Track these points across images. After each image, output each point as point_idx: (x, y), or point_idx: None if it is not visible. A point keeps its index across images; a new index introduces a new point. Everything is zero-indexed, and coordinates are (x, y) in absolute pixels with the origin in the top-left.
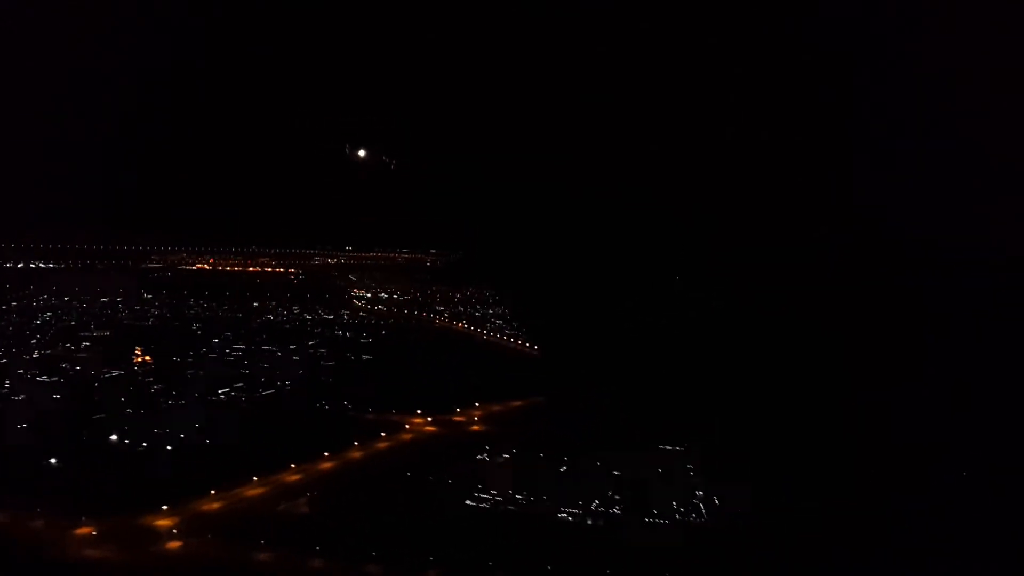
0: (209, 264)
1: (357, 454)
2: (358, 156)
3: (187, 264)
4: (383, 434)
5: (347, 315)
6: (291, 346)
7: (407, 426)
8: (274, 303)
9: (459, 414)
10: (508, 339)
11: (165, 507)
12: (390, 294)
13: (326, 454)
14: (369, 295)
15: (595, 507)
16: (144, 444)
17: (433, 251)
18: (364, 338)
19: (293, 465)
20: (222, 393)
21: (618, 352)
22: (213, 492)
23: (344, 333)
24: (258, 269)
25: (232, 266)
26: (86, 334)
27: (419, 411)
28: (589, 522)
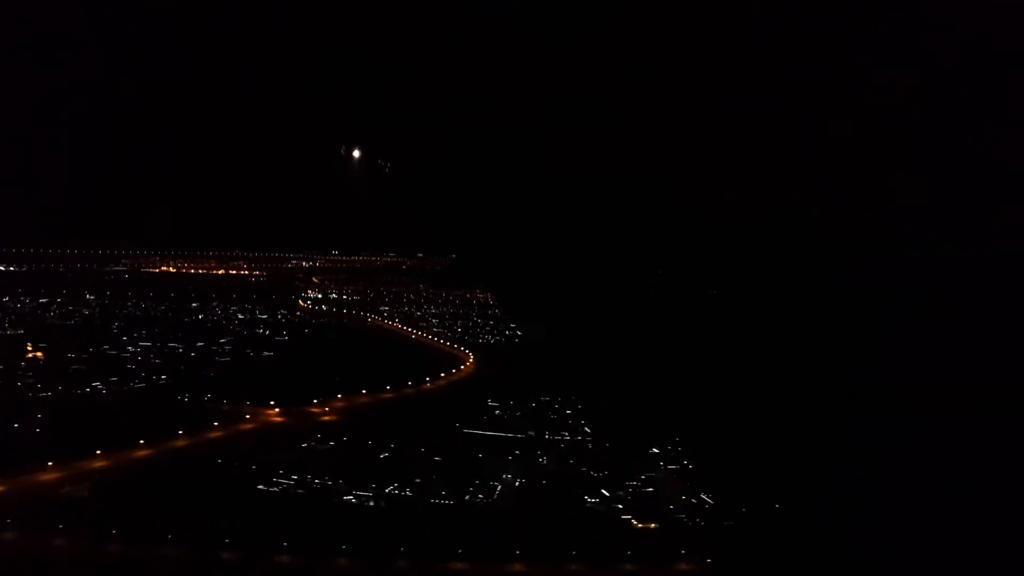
0: (174, 267)
1: (181, 443)
2: (353, 159)
3: (153, 267)
4: (215, 424)
5: (283, 314)
6: (199, 343)
7: (247, 416)
8: (214, 303)
9: (317, 405)
10: (432, 337)
11: None
12: (341, 295)
13: (141, 442)
14: (320, 296)
15: (388, 491)
16: None
17: (420, 255)
18: (280, 335)
19: (99, 452)
20: (93, 386)
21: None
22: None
23: (264, 331)
24: (223, 272)
25: (198, 269)
26: None
27: (272, 402)
28: (371, 504)
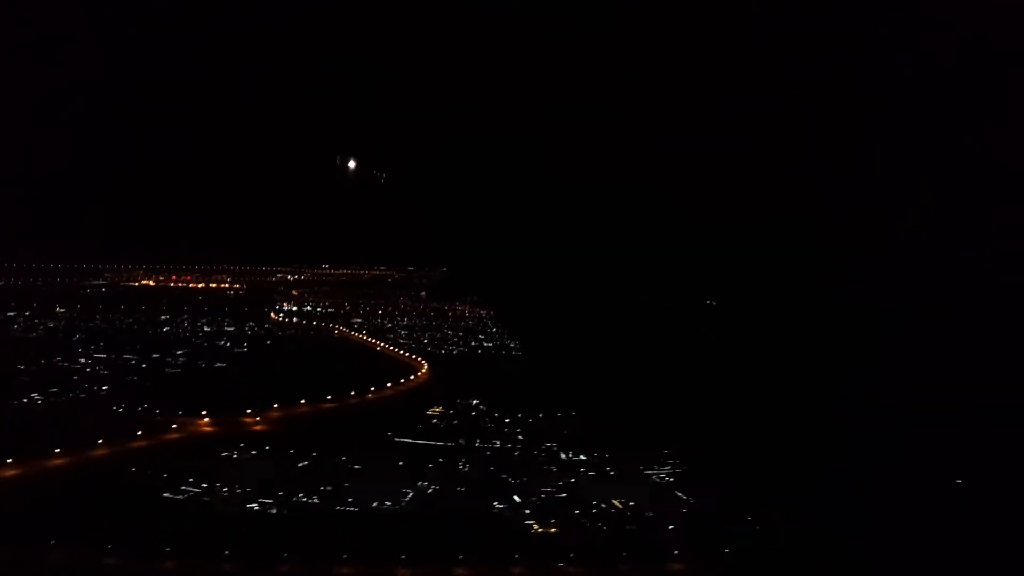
0: (154, 281)
1: (100, 452)
2: (348, 169)
3: (133, 281)
4: (139, 433)
5: (251, 327)
6: (154, 355)
7: (174, 426)
8: (184, 317)
9: (250, 415)
10: (395, 348)
11: None
12: (316, 308)
13: (57, 451)
14: (295, 309)
15: (294, 499)
16: None
17: (411, 268)
18: (240, 347)
19: (10, 460)
20: (30, 397)
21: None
22: None
23: (225, 343)
24: (202, 285)
25: (178, 283)
26: None
27: (204, 412)
28: (272, 511)
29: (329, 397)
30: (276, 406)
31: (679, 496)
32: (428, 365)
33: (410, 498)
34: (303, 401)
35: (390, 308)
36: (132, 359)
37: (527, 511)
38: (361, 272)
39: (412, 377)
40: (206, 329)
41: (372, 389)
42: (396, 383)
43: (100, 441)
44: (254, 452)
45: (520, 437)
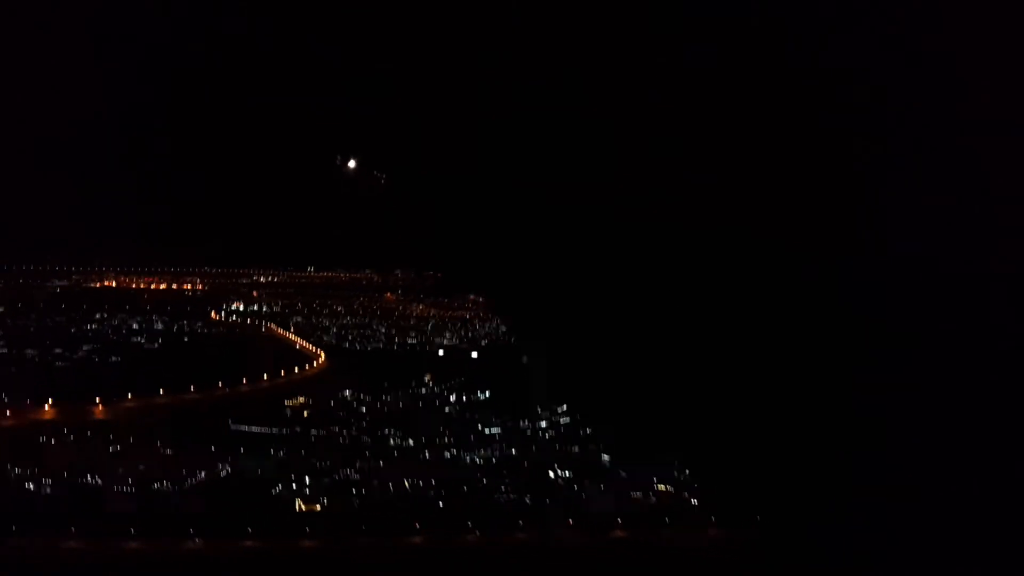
0: (116, 283)
1: None
2: (348, 170)
3: (95, 282)
4: None
5: (183, 326)
6: (56, 350)
7: (8, 413)
8: (121, 315)
9: (98, 405)
10: (312, 345)
11: None
12: (263, 308)
13: None
14: (242, 308)
15: (79, 481)
16: None
17: (397, 271)
18: (151, 344)
19: None
20: None
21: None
22: None
23: (141, 339)
24: (164, 287)
25: (139, 284)
26: None
27: (50, 400)
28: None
29: (192, 388)
30: (130, 396)
31: None
32: (326, 359)
33: (197, 481)
34: (161, 392)
35: (340, 308)
36: (31, 353)
37: (306, 492)
38: (341, 275)
39: (295, 371)
40: (134, 327)
41: (244, 380)
42: (278, 376)
43: None
44: (72, 437)
45: (364, 424)
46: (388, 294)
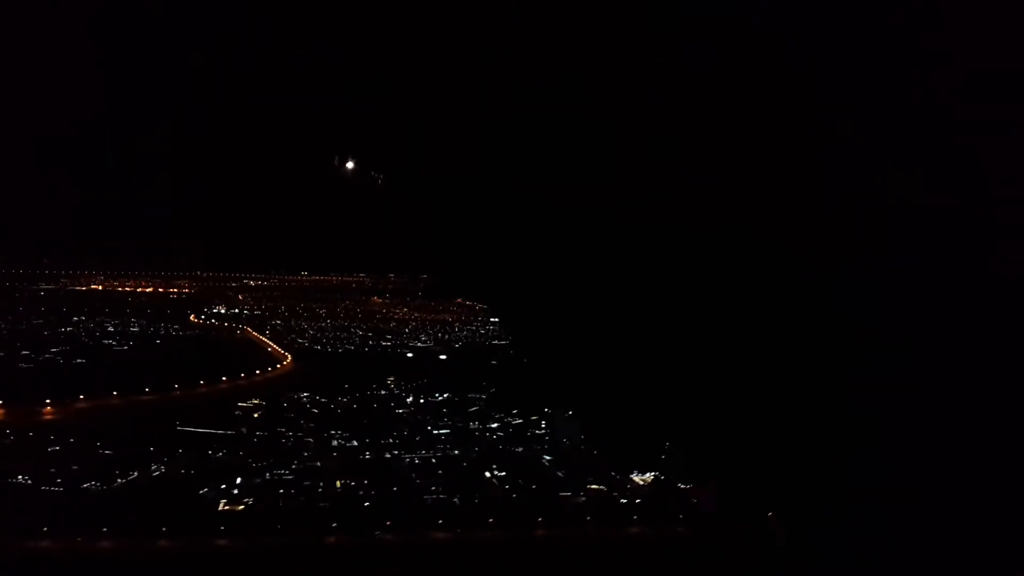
0: (103, 286)
1: None
2: (345, 171)
3: (83, 285)
4: None
5: (159, 328)
6: (23, 351)
7: None
8: (100, 318)
9: (48, 406)
10: (282, 348)
11: None
12: (243, 311)
13: None
14: (223, 312)
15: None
16: None
17: (391, 275)
18: (122, 345)
19: None
20: None
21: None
22: None
23: (112, 342)
24: (150, 290)
25: (126, 287)
26: None
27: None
28: None
29: (147, 389)
30: (82, 397)
31: None
32: (293, 362)
33: (128, 481)
34: (115, 393)
35: (322, 311)
36: None
37: (234, 492)
38: (333, 279)
39: (257, 372)
40: (108, 330)
41: (201, 382)
42: (239, 377)
43: None
44: (13, 439)
45: (312, 426)
46: (375, 298)
